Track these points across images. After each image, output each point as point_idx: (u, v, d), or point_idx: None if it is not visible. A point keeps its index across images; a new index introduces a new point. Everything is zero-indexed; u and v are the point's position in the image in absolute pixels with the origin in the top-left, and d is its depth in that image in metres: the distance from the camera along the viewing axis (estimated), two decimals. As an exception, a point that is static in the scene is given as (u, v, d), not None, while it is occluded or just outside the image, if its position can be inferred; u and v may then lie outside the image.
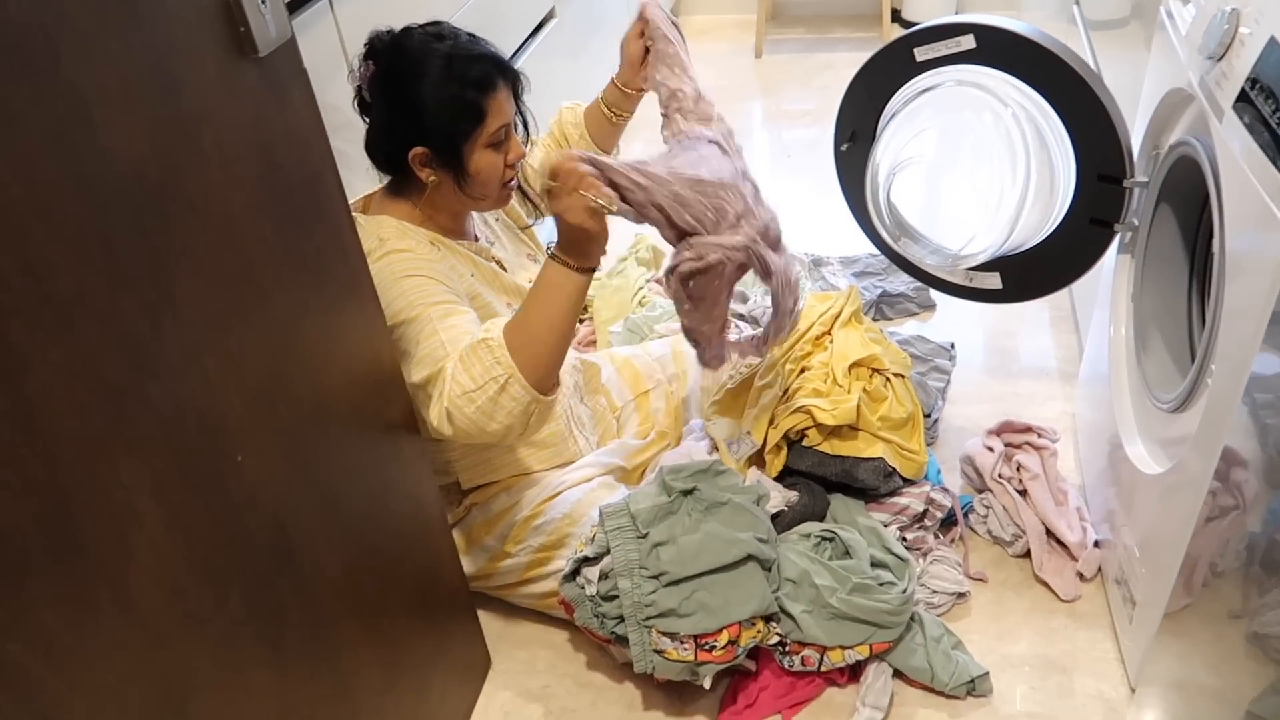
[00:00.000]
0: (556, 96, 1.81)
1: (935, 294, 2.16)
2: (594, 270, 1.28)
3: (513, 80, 1.36)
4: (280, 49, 0.90)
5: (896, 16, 3.56)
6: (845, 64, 3.33)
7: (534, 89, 1.43)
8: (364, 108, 1.34)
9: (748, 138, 3.03)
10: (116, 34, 0.73)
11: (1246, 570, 1.11)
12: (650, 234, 2.40)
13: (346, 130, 1.34)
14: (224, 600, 0.89)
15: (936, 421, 1.80)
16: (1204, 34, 1.17)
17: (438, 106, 1.28)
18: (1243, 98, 1.05)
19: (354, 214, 1.36)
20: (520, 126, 1.41)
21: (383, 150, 1.35)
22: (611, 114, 1.61)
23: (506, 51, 2.05)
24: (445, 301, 1.29)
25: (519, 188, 1.53)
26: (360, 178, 1.40)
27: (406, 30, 1.31)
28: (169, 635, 0.81)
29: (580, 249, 1.24)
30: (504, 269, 1.50)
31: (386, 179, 1.40)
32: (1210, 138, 1.17)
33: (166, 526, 0.80)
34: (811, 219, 2.52)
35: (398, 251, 1.30)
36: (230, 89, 0.86)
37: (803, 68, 3.42)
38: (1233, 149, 1.08)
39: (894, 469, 1.52)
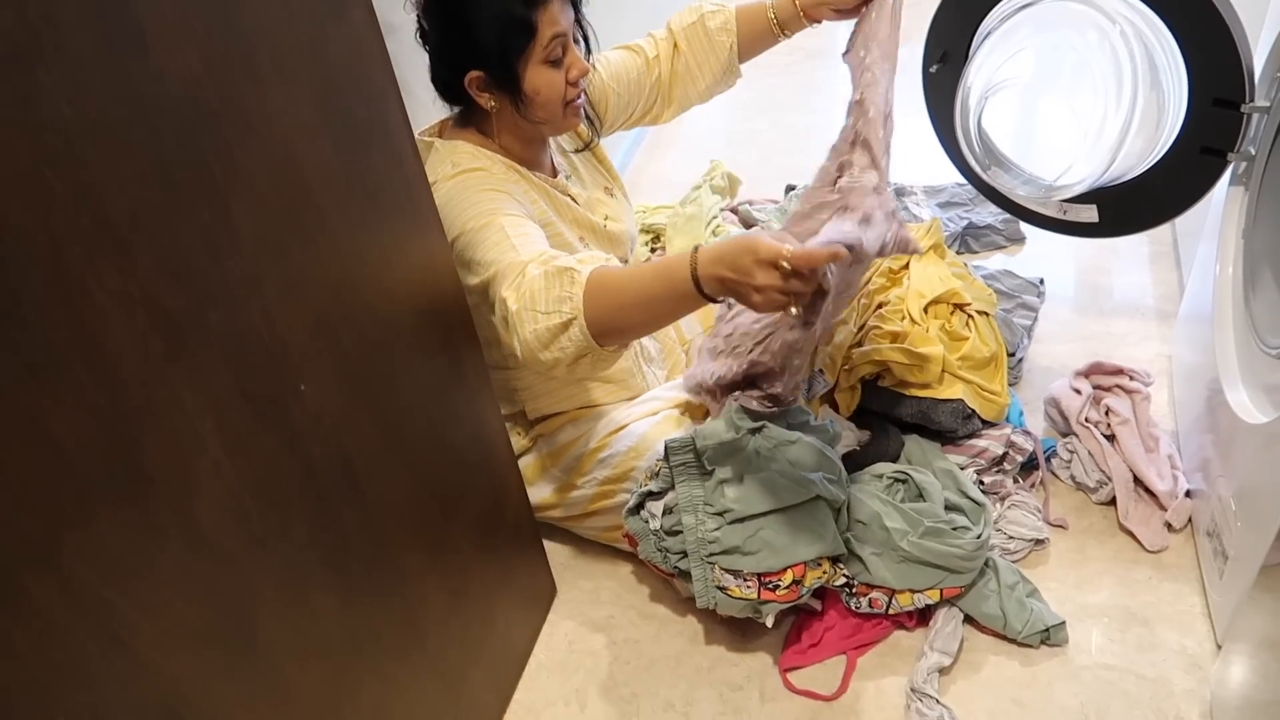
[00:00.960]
0: (630, 12, 1.74)
1: (1025, 227, 2.06)
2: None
3: None
4: (339, -36, 0.86)
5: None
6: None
7: (598, 13, 1.37)
8: (424, 37, 1.30)
9: (833, 60, 2.91)
10: (168, -53, 0.71)
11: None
12: (725, 160, 2.33)
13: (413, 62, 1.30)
14: (288, 526, 0.89)
15: (1021, 361, 1.72)
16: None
17: (485, 24, 1.23)
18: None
19: (428, 139, 1.34)
20: (581, 41, 1.35)
21: (440, 78, 1.31)
22: (778, 29, 1.49)
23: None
24: (517, 215, 1.24)
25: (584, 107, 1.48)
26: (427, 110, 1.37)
27: None
28: (234, 559, 0.82)
29: (725, 296, 1.06)
30: (577, 203, 1.47)
31: (455, 110, 1.37)
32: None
33: (229, 454, 0.80)
34: (896, 146, 2.41)
35: (472, 170, 1.27)
36: (287, 6, 0.83)
37: (892, -16, 3.25)
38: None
39: (973, 411, 1.46)
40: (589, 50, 1.38)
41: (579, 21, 1.33)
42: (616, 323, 1.10)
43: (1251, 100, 1.32)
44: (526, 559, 1.44)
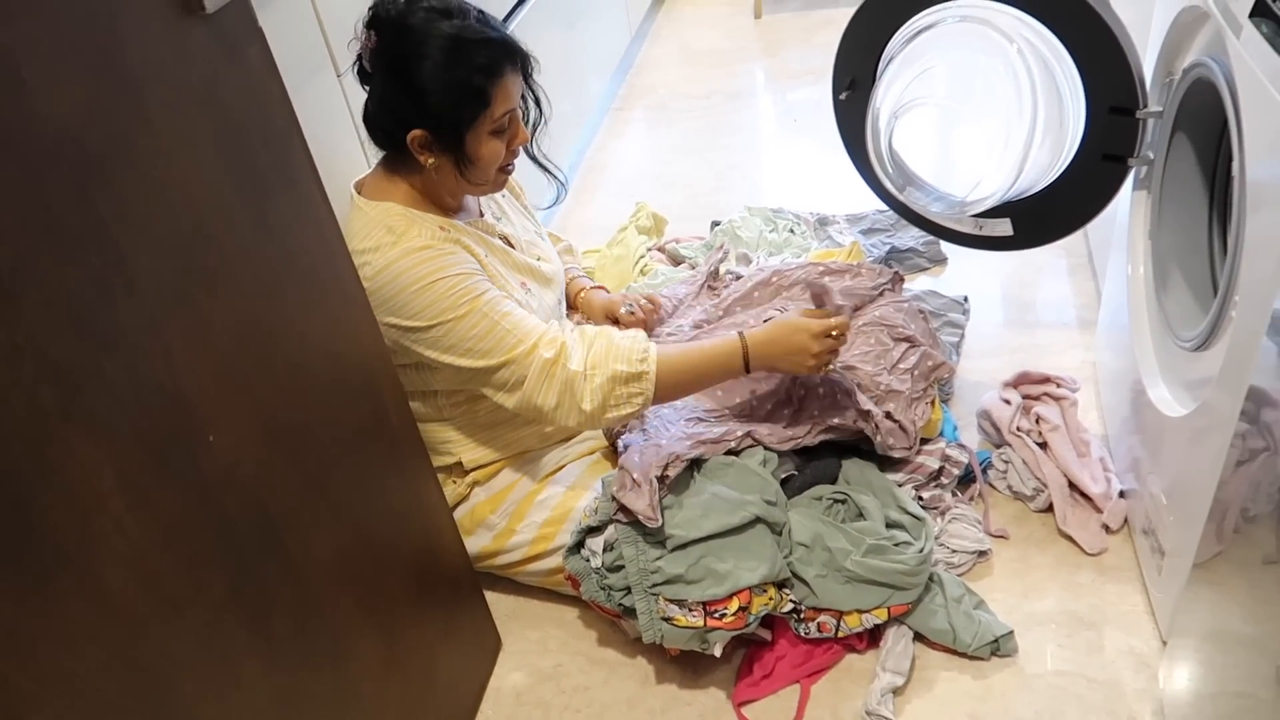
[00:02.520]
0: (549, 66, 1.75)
1: (947, 247, 2.10)
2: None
3: (522, 62, 1.29)
4: (230, 5, 0.85)
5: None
6: (847, 19, 3.23)
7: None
8: (364, 77, 1.29)
9: (750, 100, 2.97)
10: (43, -12, 0.69)
11: (1280, 514, 1.06)
12: (650, 201, 2.35)
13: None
14: (204, 585, 0.85)
15: (951, 377, 1.74)
16: (1216, -56, 1.11)
17: (441, 90, 1.22)
18: (1260, 7, 0.99)
19: (356, 198, 1.32)
20: (533, 105, 1.37)
21: (381, 127, 1.30)
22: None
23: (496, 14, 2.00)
24: (485, 292, 1.27)
25: (539, 163, 1.49)
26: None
27: (412, 4, 1.23)
28: (145, 623, 0.78)
29: (769, 371, 1.40)
30: (512, 245, 1.46)
31: (380, 154, 1.35)
32: (1227, 56, 1.10)
33: (132, 509, 0.76)
34: (817, 178, 2.46)
35: (417, 250, 1.25)
36: (178, 48, 0.81)
37: (803, 25, 3.34)
38: (1251, 65, 1.02)
39: (907, 428, 1.46)
40: (541, 114, 1.40)
41: (530, 86, 1.34)
42: (669, 398, 1.36)
43: (1145, 106, 1.37)
44: (467, 610, 1.40)
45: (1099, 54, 1.36)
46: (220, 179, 0.87)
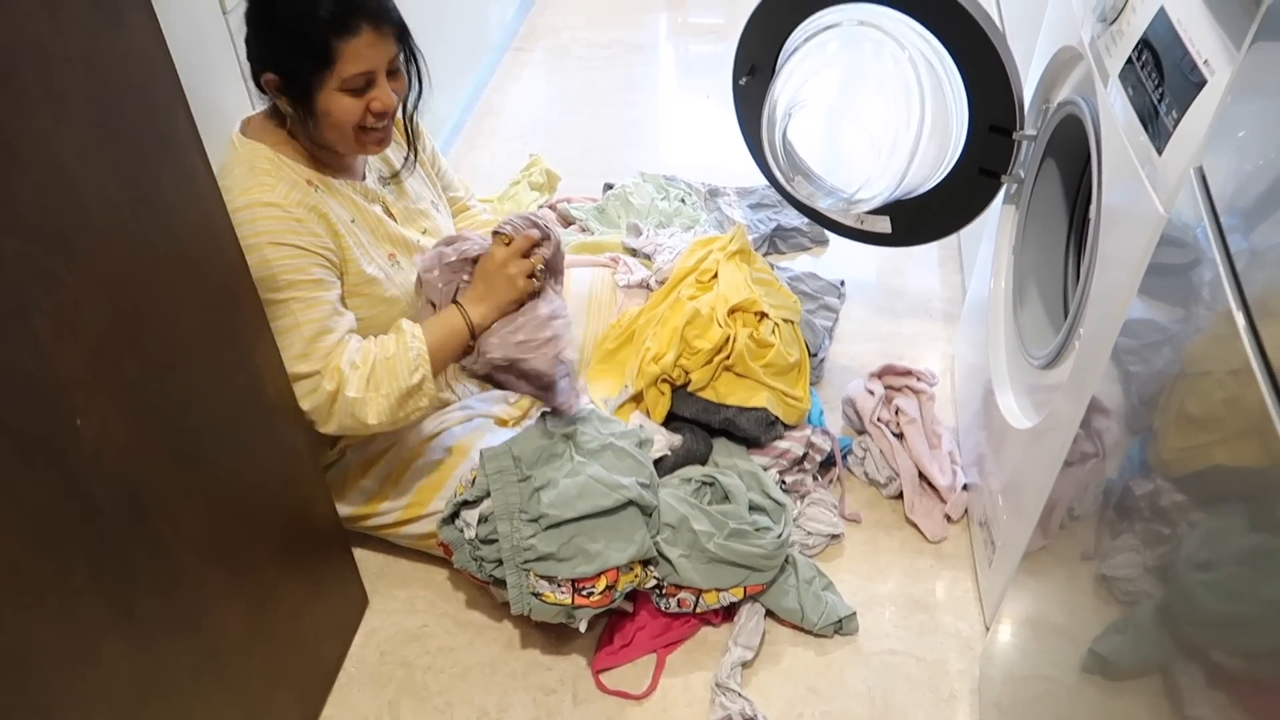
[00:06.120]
0: None
1: (828, 229, 2.17)
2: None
3: (392, 24, 1.22)
4: (114, -30, 0.81)
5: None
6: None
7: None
8: (247, 18, 1.23)
9: (652, 53, 2.95)
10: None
11: (1101, 514, 1.17)
12: (545, 153, 2.33)
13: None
14: (66, 571, 0.84)
15: (823, 361, 1.82)
16: (1099, -6, 1.17)
17: (285, 35, 1.17)
18: (1129, 65, 1.06)
19: (234, 135, 1.27)
20: (413, 76, 1.31)
21: (251, 67, 1.24)
22: None
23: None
24: (305, 282, 1.23)
25: (406, 131, 1.45)
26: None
27: None
28: (1, 614, 0.77)
29: (494, 317, 1.39)
30: (392, 216, 1.42)
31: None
32: (1095, 99, 1.17)
33: (-8, 502, 0.74)
34: (711, 144, 2.48)
35: (263, 205, 1.20)
36: (54, 19, 0.76)
37: (710, -21, 3.32)
38: (1114, 113, 1.09)
39: (776, 418, 1.53)
40: (421, 82, 1.33)
41: (409, 53, 1.28)
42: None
43: (1022, 129, 1.45)
44: (336, 572, 1.41)
45: (986, 75, 1.42)
46: (99, 156, 0.83)
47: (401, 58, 1.28)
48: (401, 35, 1.25)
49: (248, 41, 1.23)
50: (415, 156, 1.48)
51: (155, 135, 0.90)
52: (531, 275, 1.39)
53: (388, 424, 1.29)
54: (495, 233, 1.40)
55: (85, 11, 0.79)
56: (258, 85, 1.25)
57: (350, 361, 1.27)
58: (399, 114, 1.34)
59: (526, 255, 1.39)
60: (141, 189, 0.89)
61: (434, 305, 1.39)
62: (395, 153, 1.47)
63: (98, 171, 0.83)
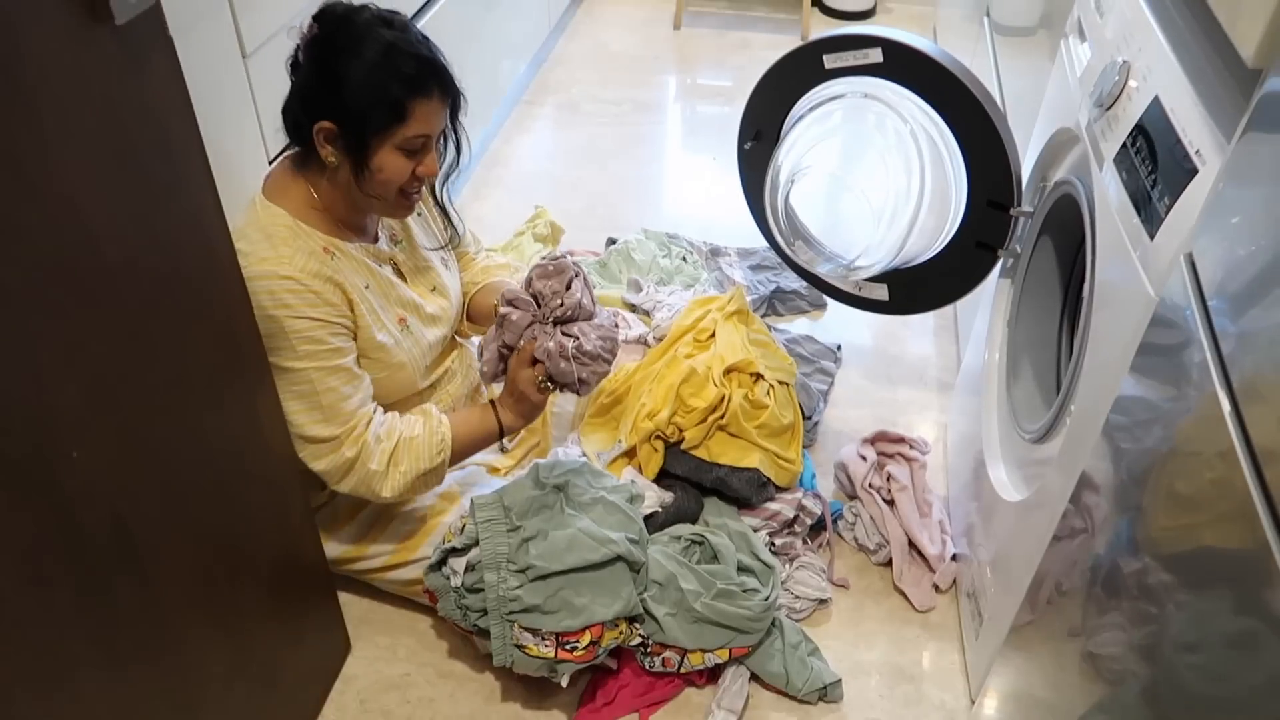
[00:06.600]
0: (465, 43, 1.74)
1: (827, 294, 2.19)
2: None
3: (452, 96, 1.27)
4: (142, 16, 0.83)
5: (818, 1, 3.56)
6: (762, 45, 3.32)
7: (448, 42, 1.35)
8: (294, 68, 1.25)
9: (660, 113, 3.00)
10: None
11: (1089, 591, 1.16)
12: (550, 206, 2.36)
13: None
14: (50, 603, 0.83)
15: (817, 425, 1.83)
16: (1096, 80, 1.20)
17: (360, 87, 1.19)
18: (1123, 150, 1.08)
19: (257, 196, 1.28)
20: (452, 147, 1.35)
21: (293, 114, 1.26)
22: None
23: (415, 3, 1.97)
24: (327, 350, 1.26)
25: (440, 205, 1.48)
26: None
27: (361, 7, 1.23)
28: (-17, 642, 0.76)
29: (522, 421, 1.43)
30: (402, 276, 1.43)
31: (291, 151, 1.32)
32: (1091, 181, 1.20)
33: (-17, 530, 0.74)
34: (714, 204, 2.51)
35: (280, 278, 1.21)
36: (80, 59, 0.78)
37: (720, 44, 3.39)
38: (1108, 196, 1.12)
39: (768, 479, 1.53)
40: (459, 156, 1.37)
41: (455, 126, 1.32)
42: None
43: (1019, 205, 1.47)
44: (319, 616, 1.40)
45: (986, 152, 1.45)
46: (113, 193, 0.84)
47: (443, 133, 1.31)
48: (454, 111, 1.30)
49: (301, 95, 1.24)
50: (454, 234, 1.53)
51: (169, 174, 0.92)
52: (542, 385, 1.38)
53: (398, 498, 1.36)
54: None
55: (113, 53, 0.81)
56: (294, 132, 1.27)
57: (376, 435, 1.32)
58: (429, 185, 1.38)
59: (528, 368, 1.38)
60: (151, 226, 0.90)
61: (504, 352, 1.40)
62: (416, 222, 1.50)
63: (112, 207, 0.84)
